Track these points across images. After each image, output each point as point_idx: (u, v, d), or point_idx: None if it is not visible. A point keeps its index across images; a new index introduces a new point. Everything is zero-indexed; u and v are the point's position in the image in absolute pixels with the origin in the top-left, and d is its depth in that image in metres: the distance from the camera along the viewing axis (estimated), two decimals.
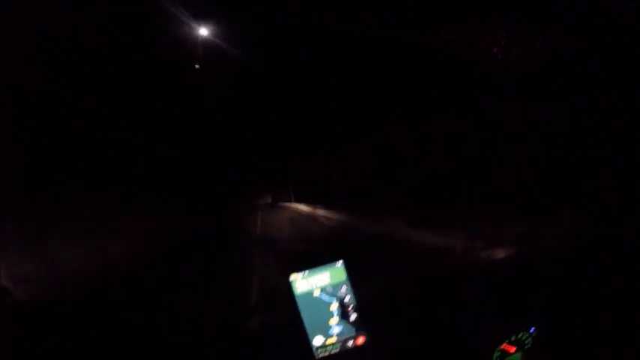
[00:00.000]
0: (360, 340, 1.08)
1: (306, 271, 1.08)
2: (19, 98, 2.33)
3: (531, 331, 1.14)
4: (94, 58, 2.74)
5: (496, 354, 1.11)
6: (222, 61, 3.39)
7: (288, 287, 1.04)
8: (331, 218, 7.01)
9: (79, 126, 3.02)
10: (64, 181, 2.83)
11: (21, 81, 2.28)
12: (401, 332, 1.10)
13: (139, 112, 3.79)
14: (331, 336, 1.06)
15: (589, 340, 1.14)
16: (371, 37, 3.05)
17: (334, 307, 1.09)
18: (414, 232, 3.77)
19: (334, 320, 1.09)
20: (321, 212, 7.86)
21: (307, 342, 1.04)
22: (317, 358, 1.03)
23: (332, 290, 1.10)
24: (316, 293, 1.08)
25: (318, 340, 1.05)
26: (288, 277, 1.05)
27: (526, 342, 1.14)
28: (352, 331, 1.07)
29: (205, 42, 3.01)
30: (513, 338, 1.13)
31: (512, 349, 1.12)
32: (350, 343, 1.07)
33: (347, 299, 1.08)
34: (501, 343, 1.11)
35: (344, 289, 1.09)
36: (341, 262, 1.09)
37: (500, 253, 1.45)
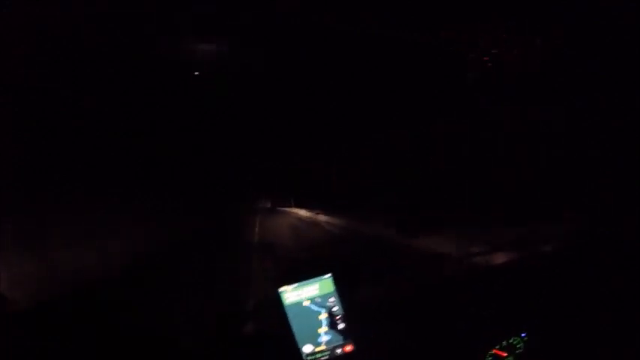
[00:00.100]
0: (348, 347, 1.11)
1: (296, 284, 1.11)
2: (19, 98, 2.33)
3: (523, 336, 1.14)
4: (94, 58, 2.73)
5: (488, 359, 1.12)
6: (222, 61, 3.39)
7: (278, 298, 1.07)
8: (330, 223, 7.00)
9: (79, 126, 3.02)
10: (64, 181, 2.83)
11: (21, 81, 2.27)
12: (392, 339, 1.11)
13: (139, 112, 3.78)
14: (320, 344, 1.09)
15: (581, 343, 1.14)
16: (371, 37, 3.05)
17: (323, 316, 1.12)
18: (410, 237, 3.77)
19: (323, 329, 1.12)
20: (320, 217, 7.84)
21: (297, 350, 1.06)
22: None
23: (321, 301, 1.12)
24: (305, 303, 1.11)
25: (307, 348, 1.08)
26: (277, 288, 1.07)
27: (517, 347, 1.14)
28: (340, 340, 1.10)
29: (205, 42, 3.01)
30: (504, 343, 1.14)
31: (504, 354, 1.13)
32: (338, 351, 1.10)
33: (335, 309, 1.11)
34: (492, 349, 1.12)
35: (332, 299, 1.11)
36: (329, 274, 1.12)
37: (492, 260, 1.45)
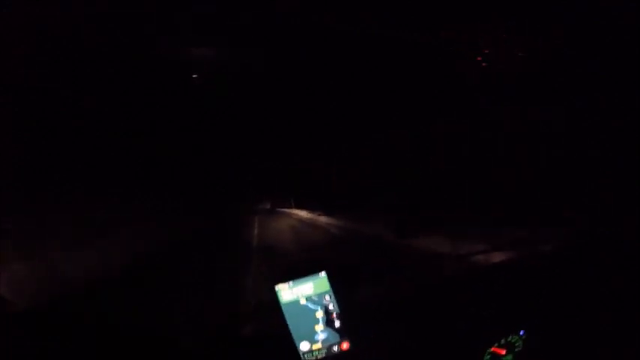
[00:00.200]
0: (345, 345, 1.12)
1: (291, 282, 1.12)
2: (19, 98, 2.33)
3: (521, 334, 1.14)
4: (94, 58, 2.73)
5: (486, 357, 1.12)
6: (222, 61, 3.39)
7: (274, 296, 1.09)
8: (329, 223, 7.00)
9: (79, 126, 3.02)
10: (64, 181, 2.83)
11: (21, 81, 2.28)
12: (390, 337, 1.11)
13: (139, 112, 3.78)
14: (317, 342, 1.10)
15: (580, 343, 1.14)
16: (371, 37, 3.05)
17: (319, 314, 1.13)
18: (409, 237, 3.78)
19: (320, 327, 1.13)
20: (320, 218, 7.84)
21: (294, 348, 1.07)
22: None
23: (317, 299, 1.14)
24: (302, 302, 1.12)
25: (304, 346, 1.10)
26: (273, 287, 1.09)
27: (516, 345, 1.15)
28: (337, 338, 1.11)
29: (205, 42, 3.00)
30: (503, 341, 1.14)
31: (503, 352, 1.14)
32: (335, 349, 1.11)
33: (331, 307, 1.12)
34: (491, 346, 1.12)
35: (327, 298, 1.13)
36: (324, 273, 1.13)
37: (492, 259, 1.46)
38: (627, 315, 1.17)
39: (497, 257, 1.46)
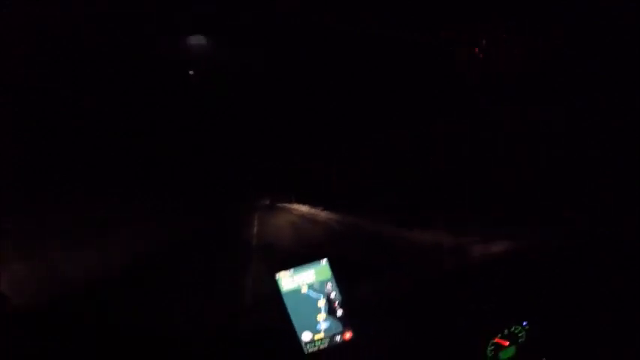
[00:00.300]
0: (348, 335, 1.10)
1: (292, 270, 1.11)
2: (19, 98, 2.33)
3: (524, 324, 1.14)
4: (94, 58, 2.73)
5: (490, 347, 1.12)
6: (222, 61, 3.39)
7: (275, 285, 1.07)
8: (330, 219, 7.00)
9: (79, 126, 3.02)
10: (64, 181, 2.83)
11: (21, 81, 2.28)
12: (392, 327, 1.11)
13: (139, 112, 3.79)
14: (319, 331, 1.09)
15: (585, 334, 1.14)
16: (371, 37, 3.05)
17: (322, 303, 1.11)
18: (409, 230, 3.78)
19: (322, 316, 1.11)
20: (319, 213, 7.85)
21: (296, 338, 1.06)
22: (306, 353, 1.05)
23: (319, 287, 1.12)
24: (304, 290, 1.10)
25: (306, 336, 1.08)
26: (274, 275, 1.07)
27: (519, 335, 1.15)
28: (339, 327, 1.10)
29: (205, 42, 3.01)
30: (506, 332, 1.14)
31: (506, 343, 1.13)
32: (338, 338, 1.10)
33: (333, 295, 1.11)
34: (494, 338, 1.12)
35: (329, 285, 1.11)
36: (325, 260, 1.11)
37: (493, 249, 1.46)
38: (627, 315, 1.17)
39: (498, 251, 1.47)
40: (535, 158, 3.13)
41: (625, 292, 1.21)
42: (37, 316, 1.29)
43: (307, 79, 4.41)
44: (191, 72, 3.42)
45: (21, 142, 2.42)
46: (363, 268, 1.41)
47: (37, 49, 2.29)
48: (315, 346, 1.07)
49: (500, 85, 3.07)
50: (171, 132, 4.81)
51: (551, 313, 1.17)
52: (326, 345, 1.08)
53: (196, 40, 2.97)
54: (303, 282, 1.11)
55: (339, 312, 1.10)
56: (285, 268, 1.10)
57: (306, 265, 1.12)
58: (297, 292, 1.10)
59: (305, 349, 1.06)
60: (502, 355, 1.14)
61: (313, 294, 1.11)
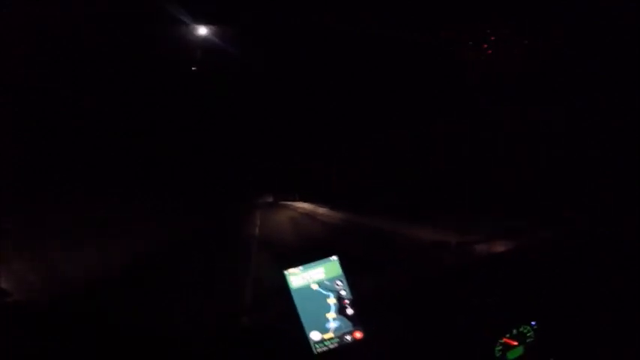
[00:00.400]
0: (358, 334, 1.08)
1: (301, 267, 1.08)
2: (19, 98, 2.33)
3: (533, 324, 1.14)
4: (94, 58, 2.73)
5: (498, 347, 1.11)
6: (222, 61, 3.39)
7: (284, 282, 1.04)
8: (332, 217, 7.01)
9: (79, 126, 3.02)
10: (64, 181, 2.83)
11: (21, 81, 2.27)
12: (401, 326, 1.10)
13: (139, 112, 3.79)
14: (328, 331, 1.06)
15: (591, 335, 1.14)
16: (371, 37, 3.05)
17: (331, 301, 1.09)
18: (413, 230, 3.78)
19: (331, 315, 1.08)
20: (321, 211, 7.86)
21: (304, 336, 1.03)
22: (316, 353, 1.03)
23: (329, 284, 1.10)
24: (314, 287, 1.08)
25: (315, 336, 1.05)
26: (282, 272, 1.05)
27: (528, 335, 1.14)
28: (349, 326, 1.07)
29: (205, 42, 3.01)
30: (515, 332, 1.13)
31: (514, 343, 1.13)
32: (348, 338, 1.07)
33: (343, 293, 1.08)
34: (502, 337, 1.12)
35: (339, 283, 1.09)
36: (335, 257, 1.10)
37: (499, 249, 1.46)
38: (628, 315, 1.17)
39: (500, 250, 1.46)
40: (535, 158, 3.13)
41: (625, 292, 1.20)
42: (37, 316, 1.29)
43: (308, 79, 4.42)
44: (194, 68, 3.43)
45: (21, 142, 2.42)
46: (372, 265, 1.39)
47: (37, 49, 2.29)
48: (324, 345, 1.04)
49: (500, 85, 3.07)
50: (171, 132, 4.81)
51: (557, 312, 1.16)
52: (336, 345, 1.05)
53: (197, 40, 2.97)
54: (313, 279, 1.08)
55: (350, 310, 1.07)
56: (294, 264, 1.07)
57: (316, 262, 1.09)
58: (306, 289, 1.07)
59: (314, 348, 1.03)
60: (510, 355, 1.13)
61: (323, 291, 1.08)
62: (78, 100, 2.89)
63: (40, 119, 2.57)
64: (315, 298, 1.06)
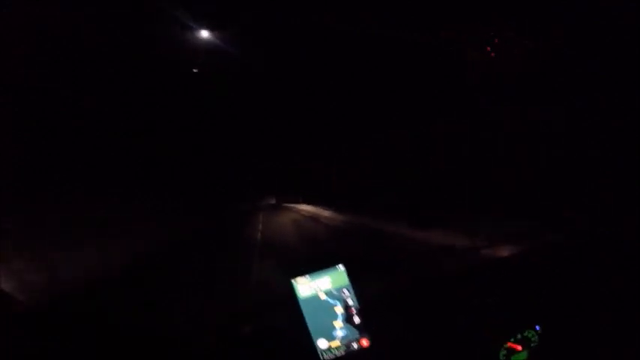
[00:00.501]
0: (365, 342, 1.08)
1: (308, 275, 1.09)
2: (19, 98, 2.33)
3: (537, 329, 1.14)
4: (94, 58, 2.73)
5: (502, 352, 1.11)
6: (223, 61, 3.39)
7: (290, 291, 1.05)
8: (335, 220, 7.01)
9: (79, 126, 3.02)
10: (64, 181, 2.83)
11: (21, 81, 2.27)
12: (406, 333, 1.10)
13: (139, 112, 3.79)
14: (334, 339, 1.07)
15: (594, 338, 1.14)
16: (371, 37, 3.05)
17: (339, 309, 1.09)
18: (416, 233, 3.77)
19: (339, 323, 1.09)
20: (325, 214, 7.85)
21: (311, 345, 1.04)
22: None
23: (336, 293, 1.10)
24: (322, 297, 1.08)
25: (322, 344, 1.06)
26: (289, 280, 1.06)
27: (532, 340, 1.14)
28: (356, 334, 1.08)
29: (205, 42, 3.01)
30: (519, 336, 1.13)
31: (519, 348, 1.13)
32: (355, 346, 1.08)
33: (350, 302, 1.09)
34: (507, 342, 1.12)
35: (346, 292, 1.09)
36: (342, 265, 1.10)
37: (502, 253, 1.45)
38: (629, 315, 1.17)
39: (502, 253, 1.46)
40: (535, 158, 3.13)
41: (625, 292, 1.20)
42: (37, 316, 1.29)
43: (308, 79, 4.42)
44: (195, 70, 3.43)
45: (21, 142, 2.42)
46: (377, 271, 1.39)
47: (37, 49, 2.29)
48: (331, 354, 1.05)
49: (500, 85, 3.07)
50: (171, 132, 4.81)
51: (561, 316, 1.16)
52: (342, 353, 1.06)
53: (197, 40, 2.97)
54: (320, 288, 1.09)
55: (356, 319, 1.08)
56: (301, 273, 1.08)
57: (322, 270, 1.10)
58: (314, 298, 1.08)
59: (321, 356, 1.04)
60: (514, 359, 1.14)
61: (331, 300, 1.09)
62: (78, 100, 2.89)
63: (40, 119, 2.57)
64: (323, 306, 1.07)
